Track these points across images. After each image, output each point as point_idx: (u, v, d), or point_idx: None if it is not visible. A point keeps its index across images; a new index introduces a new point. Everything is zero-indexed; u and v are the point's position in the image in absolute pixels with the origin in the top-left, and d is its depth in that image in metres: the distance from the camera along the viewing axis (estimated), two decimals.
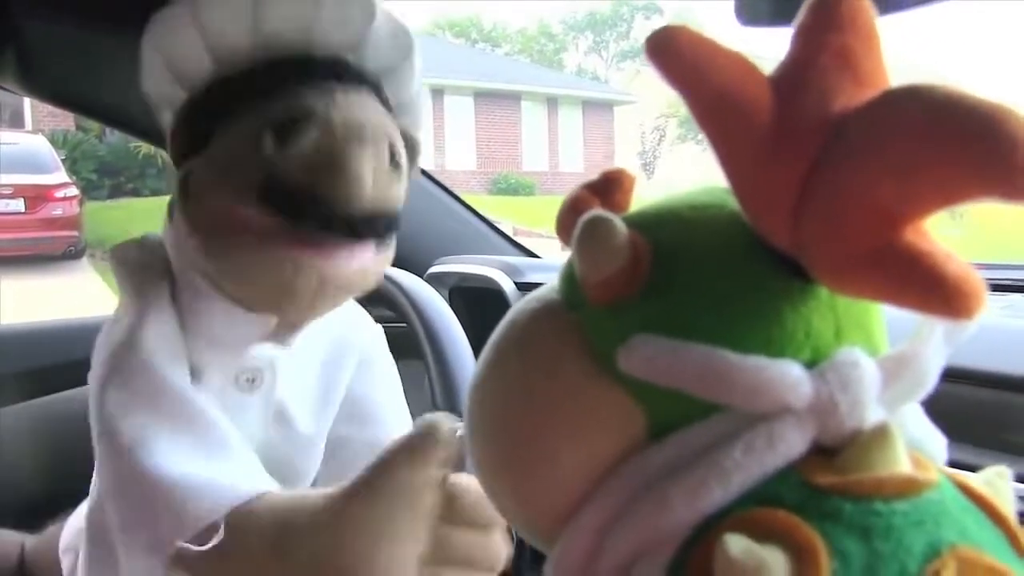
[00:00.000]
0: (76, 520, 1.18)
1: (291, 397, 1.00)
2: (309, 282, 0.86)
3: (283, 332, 0.96)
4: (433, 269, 1.62)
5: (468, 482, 0.62)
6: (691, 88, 0.43)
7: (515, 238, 1.92)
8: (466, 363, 1.10)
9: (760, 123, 0.42)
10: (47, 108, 13.49)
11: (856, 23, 0.43)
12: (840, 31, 0.42)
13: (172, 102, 0.93)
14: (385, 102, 0.94)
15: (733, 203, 0.47)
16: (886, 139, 0.38)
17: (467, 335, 1.14)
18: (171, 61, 0.90)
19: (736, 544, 0.36)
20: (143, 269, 0.95)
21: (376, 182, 0.85)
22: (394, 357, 1.68)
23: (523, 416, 0.49)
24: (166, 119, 0.95)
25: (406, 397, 1.73)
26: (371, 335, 1.14)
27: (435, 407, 1.08)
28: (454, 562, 0.61)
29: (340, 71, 0.90)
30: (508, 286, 1.44)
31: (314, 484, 1.08)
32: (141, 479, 0.79)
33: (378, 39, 0.94)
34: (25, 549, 1.36)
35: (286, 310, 0.92)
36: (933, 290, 0.37)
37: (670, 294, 0.46)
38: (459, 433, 0.57)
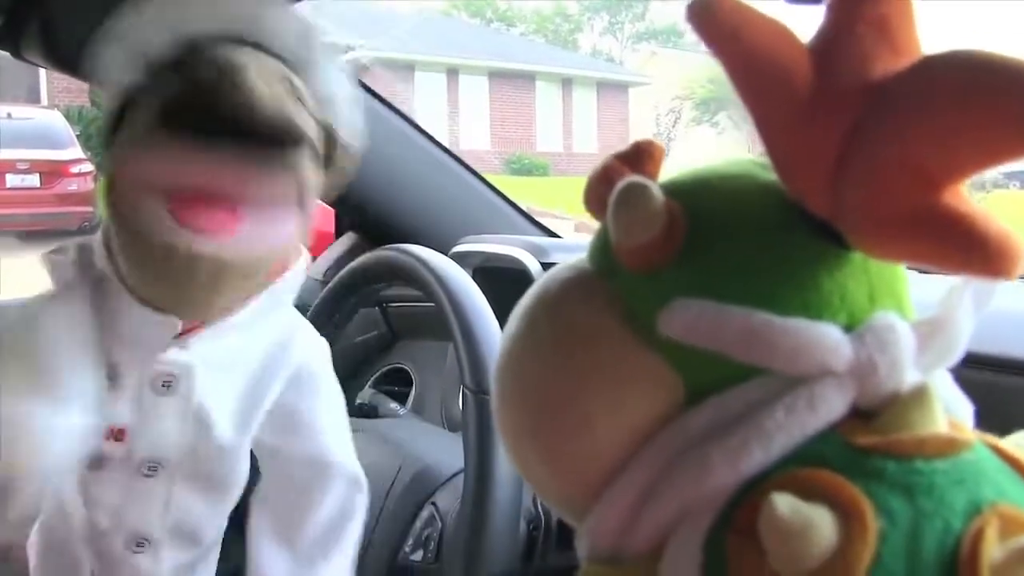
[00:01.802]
0: None
1: (212, 404, 0.99)
2: (206, 265, 0.84)
3: (188, 335, 0.95)
4: (457, 248, 1.61)
5: None
6: (730, 53, 0.44)
7: None
8: (495, 343, 1.08)
9: (799, 88, 0.43)
10: (63, 84, 13.51)
11: None
12: (876, 1, 0.43)
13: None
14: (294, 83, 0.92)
15: (760, 174, 0.49)
16: (926, 103, 0.39)
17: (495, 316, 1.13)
18: (105, 81, 0.91)
19: (784, 503, 0.37)
20: (59, 265, 0.95)
21: (273, 95, 0.84)
22: (417, 337, 1.68)
23: (558, 384, 0.49)
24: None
25: (429, 377, 1.73)
26: (309, 348, 1.12)
27: (464, 387, 1.07)
28: None
29: (240, 41, 0.89)
30: (534, 266, 1.43)
31: (250, 493, 1.08)
32: None
33: (280, 31, 0.93)
34: None
35: (185, 305, 0.92)
36: (975, 250, 0.38)
37: (706, 260, 0.47)
38: None
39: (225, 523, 1.08)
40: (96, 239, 0.97)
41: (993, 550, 0.37)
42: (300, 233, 0.94)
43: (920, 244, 0.40)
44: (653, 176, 0.53)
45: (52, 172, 10.21)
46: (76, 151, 10.78)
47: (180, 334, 0.95)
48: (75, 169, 10.41)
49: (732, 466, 0.42)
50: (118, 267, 0.90)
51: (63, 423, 0.84)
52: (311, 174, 0.90)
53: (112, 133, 0.91)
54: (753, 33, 0.43)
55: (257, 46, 0.90)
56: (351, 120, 0.98)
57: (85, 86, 12.49)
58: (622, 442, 0.47)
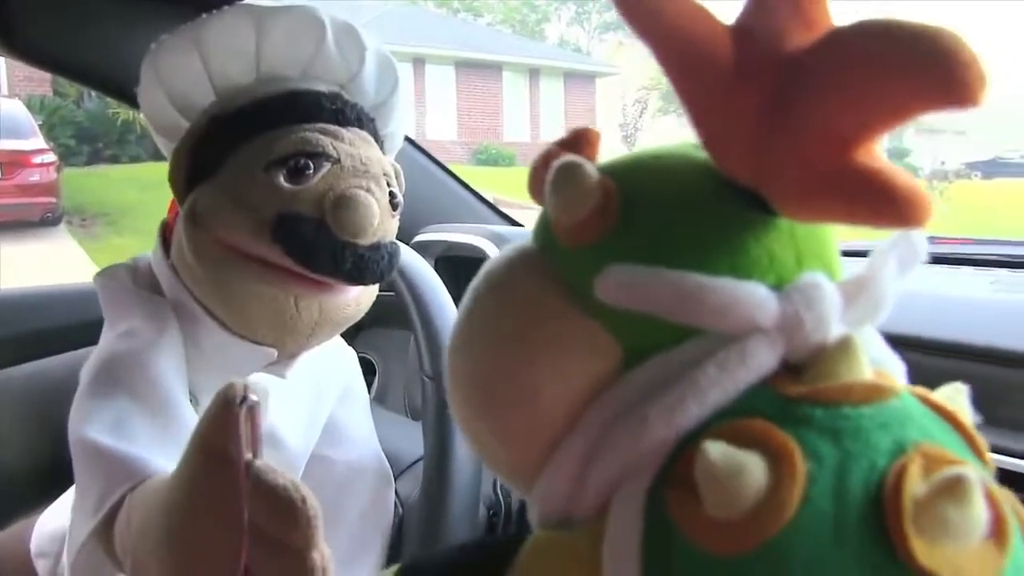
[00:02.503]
0: (49, 523, 1.19)
1: (281, 421, 1.04)
2: (311, 316, 0.93)
3: (281, 362, 0.99)
4: (419, 237, 1.62)
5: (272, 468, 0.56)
6: (655, 32, 0.47)
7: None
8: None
9: (719, 63, 0.46)
10: (23, 72, 13.36)
11: None
12: None
13: (172, 128, 0.97)
14: (379, 139, 1.01)
15: (694, 154, 0.51)
16: (835, 68, 0.42)
17: (454, 304, 1.13)
18: (173, 91, 0.94)
19: (715, 449, 0.39)
20: (143, 293, 0.97)
21: (381, 217, 0.91)
22: (381, 326, 1.68)
23: (502, 355, 0.51)
24: (162, 143, 1.01)
25: (393, 366, 1.73)
26: (349, 358, 1.21)
27: (423, 375, 1.08)
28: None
29: (341, 112, 0.96)
30: (495, 255, 1.43)
31: None
32: (81, 446, 0.83)
33: (369, 75, 1.01)
34: None
35: (286, 342, 0.97)
36: (887, 203, 0.40)
37: (639, 230, 0.49)
38: (253, 398, 0.54)
39: None
40: (148, 264, 1.01)
41: (916, 485, 0.39)
42: (377, 287, 1.02)
43: (837, 202, 0.43)
44: (591, 159, 0.55)
45: (13, 163, 10.08)
46: (38, 141, 10.66)
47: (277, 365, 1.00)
48: (37, 159, 10.28)
49: (669, 422, 0.44)
50: (199, 299, 0.94)
51: None
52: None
53: (191, 159, 0.94)
54: (674, 13, 0.46)
55: (353, 108, 0.98)
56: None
57: (46, 75, 12.39)
58: (566, 409, 0.49)
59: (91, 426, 0.83)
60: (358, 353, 1.79)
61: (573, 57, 25.43)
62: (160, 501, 0.64)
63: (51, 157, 10.60)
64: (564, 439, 0.49)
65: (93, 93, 12.23)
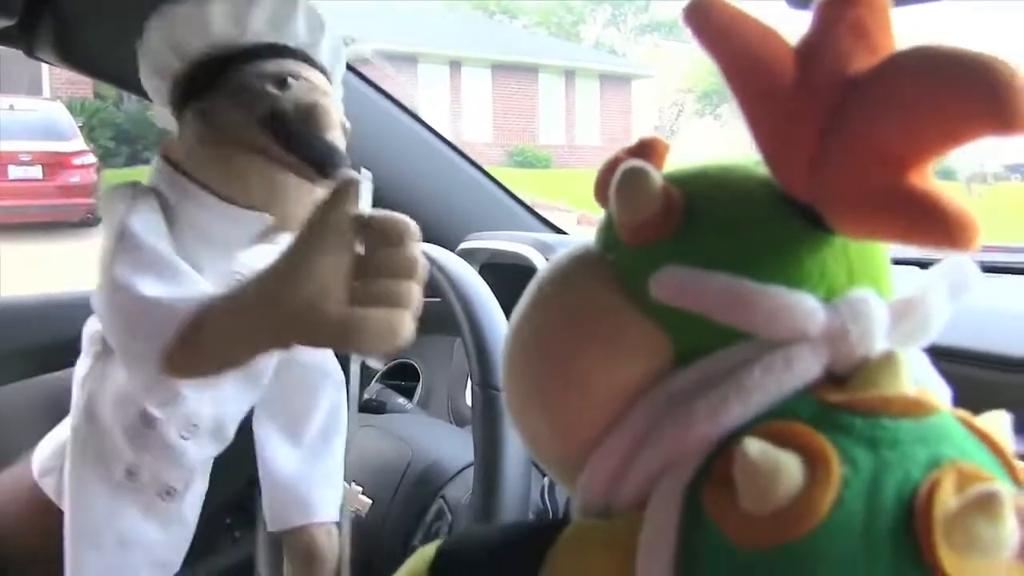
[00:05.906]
0: (47, 445, 1.28)
1: None
2: (301, 190, 1.09)
3: (272, 233, 1.13)
4: (464, 245, 1.62)
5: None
6: (721, 49, 0.49)
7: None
8: (503, 339, 1.09)
9: (783, 82, 0.48)
10: (65, 75, 13.49)
11: None
12: (855, 5, 0.48)
13: (165, 68, 1.15)
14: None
15: (756, 169, 0.53)
16: (893, 91, 0.44)
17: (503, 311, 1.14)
18: (175, 42, 1.13)
19: (754, 446, 0.41)
20: (127, 188, 1.12)
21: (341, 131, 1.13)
22: (424, 332, 1.69)
23: (557, 346, 0.54)
24: (147, 78, 1.19)
25: (436, 371, 1.74)
26: None
27: (473, 382, 1.08)
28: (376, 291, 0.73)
29: (307, 58, 1.18)
30: (540, 262, 1.44)
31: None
32: (125, 302, 0.95)
33: (325, 45, 1.22)
34: None
35: (280, 209, 1.11)
36: (937, 224, 0.42)
37: (698, 237, 0.51)
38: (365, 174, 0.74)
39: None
40: (147, 184, 1.15)
41: (948, 499, 0.40)
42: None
43: (888, 221, 0.44)
44: (657, 168, 0.57)
45: (54, 164, 10.21)
46: (79, 143, 10.79)
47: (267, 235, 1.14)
48: (77, 161, 10.41)
49: (713, 419, 0.46)
50: (201, 181, 1.11)
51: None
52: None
53: (189, 81, 1.14)
54: (742, 33, 0.48)
55: (312, 57, 1.19)
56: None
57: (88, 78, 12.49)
58: (615, 400, 0.51)
59: (126, 284, 0.95)
60: (402, 359, 1.80)
61: (609, 59, 25.32)
62: (275, 269, 0.77)
63: (91, 158, 10.73)
64: (611, 431, 0.51)
65: (133, 96, 12.36)
